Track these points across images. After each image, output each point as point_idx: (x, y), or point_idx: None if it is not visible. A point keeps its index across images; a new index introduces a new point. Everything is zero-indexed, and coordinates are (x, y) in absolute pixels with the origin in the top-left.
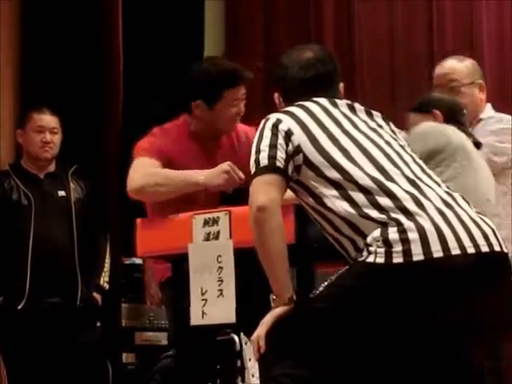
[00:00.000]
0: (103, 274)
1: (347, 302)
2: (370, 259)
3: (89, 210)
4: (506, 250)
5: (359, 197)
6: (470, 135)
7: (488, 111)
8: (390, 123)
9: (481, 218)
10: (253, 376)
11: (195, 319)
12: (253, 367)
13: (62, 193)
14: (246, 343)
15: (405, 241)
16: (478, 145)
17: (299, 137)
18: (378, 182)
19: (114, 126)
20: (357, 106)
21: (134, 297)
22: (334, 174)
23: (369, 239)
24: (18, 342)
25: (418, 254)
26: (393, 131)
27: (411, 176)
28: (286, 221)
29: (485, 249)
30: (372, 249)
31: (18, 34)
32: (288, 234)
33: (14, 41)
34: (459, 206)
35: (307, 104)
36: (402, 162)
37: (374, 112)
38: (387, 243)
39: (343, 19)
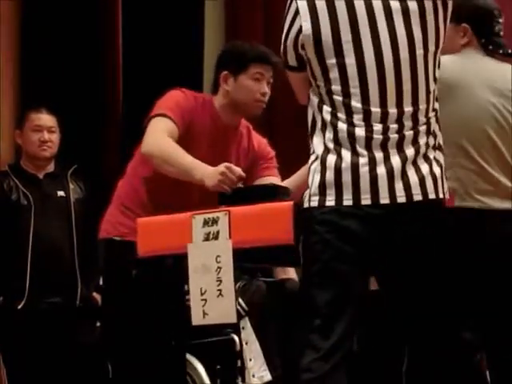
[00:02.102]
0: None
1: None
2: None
3: (88, 211)
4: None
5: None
6: (500, 46)
7: None
8: None
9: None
10: (253, 376)
11: (196, 319)
12: (253, 367)
13: (61, 193)
14: (246, 343)
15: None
16: (509, 54)
17: None
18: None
19: (114, 126)
20: None
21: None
22: None
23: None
24: (17, 342)
25: (347, 199)
26: None
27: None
28: (284, 221)
29: (402, 200)
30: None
31: (17, 34)
32: (287, 233)
33: (14, 40)
34: (400, 151)
35: None
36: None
37: None
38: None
39: None
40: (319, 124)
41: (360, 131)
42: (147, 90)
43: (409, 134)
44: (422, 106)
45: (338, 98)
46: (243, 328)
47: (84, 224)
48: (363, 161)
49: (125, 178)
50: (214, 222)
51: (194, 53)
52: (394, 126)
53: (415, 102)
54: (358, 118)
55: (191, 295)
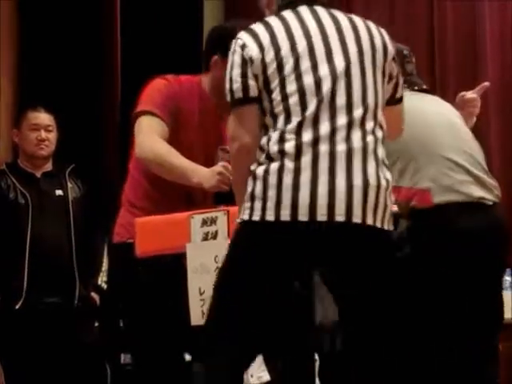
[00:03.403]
0: (101, 274)
1: None
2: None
3: (86, 210)
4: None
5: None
6: (414, 84)
7: None
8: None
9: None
10: (251, 376)
11: (195, 319)
12: (251, 367)
13: (59, 192)
14: None
15: (275, 196)
16: (426, 91)
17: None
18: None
19: (112, 125)
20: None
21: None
22: None
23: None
24: (15, 342)
25: (284, 215)
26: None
27: (345, 118)
28: None
29: (322, 218)
30: None
31: (16, 33)
32: None
33: (12, 40)
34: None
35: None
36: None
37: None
38: None
39: None
40: None
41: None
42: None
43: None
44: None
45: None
46: None
47: (82, 223)
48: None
49: (128, 178)
50: (213, 221)
51: (192, 53)
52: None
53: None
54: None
55: (189, 295)
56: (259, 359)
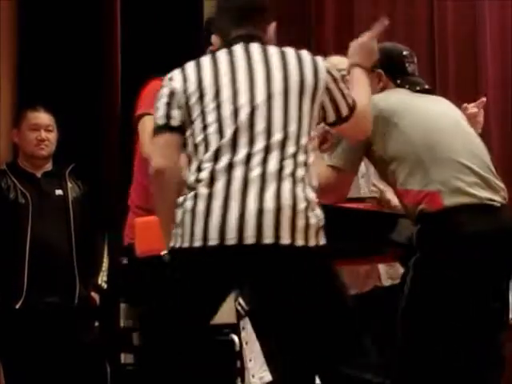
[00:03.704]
0: (101, 274)
1: None
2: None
3: (86, 210)
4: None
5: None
6: (416, 84)
7: None
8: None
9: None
10: (253, 376)
11: None
12: (253, 368)
13: (59, 192)
14: (246, 343)
15: (190, 223)
16: (429, 90)
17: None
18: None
19: (112, 125)
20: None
21: (132, 298)
22: None
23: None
24: (15, 342)
25: (198, 240)
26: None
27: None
28: None
29: (231, 242)
30: None
31: (15, 33)
32: None
33: (11, 39)
34: (261, 188)
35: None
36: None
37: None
38: None
39: (344, 21)
40: None
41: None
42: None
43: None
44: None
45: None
46: (243, 328)
47: (82, 223)
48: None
49: (133, 180)
50: None
51: (192, 53)
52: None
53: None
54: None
55: None
56: (261, 359)
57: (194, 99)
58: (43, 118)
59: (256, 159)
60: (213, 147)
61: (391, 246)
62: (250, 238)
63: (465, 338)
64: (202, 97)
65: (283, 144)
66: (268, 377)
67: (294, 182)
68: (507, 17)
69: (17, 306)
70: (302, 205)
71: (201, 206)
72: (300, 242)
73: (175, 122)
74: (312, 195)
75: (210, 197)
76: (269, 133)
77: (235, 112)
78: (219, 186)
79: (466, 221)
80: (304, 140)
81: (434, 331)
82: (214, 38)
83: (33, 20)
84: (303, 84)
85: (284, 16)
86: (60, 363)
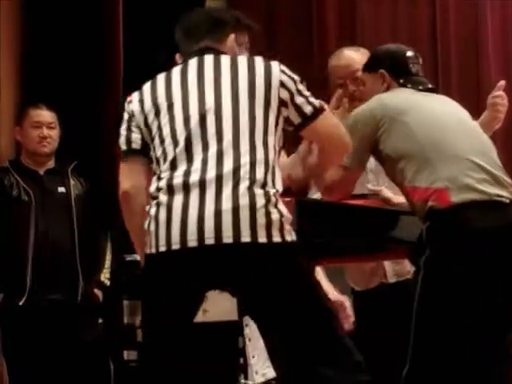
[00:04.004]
0: (104, 271)
1: None
2: None
3: (89, 207)
4: (244, 240)
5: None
6: (419, 83)
7: None
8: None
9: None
10: (256, 373)
11: (197, 316)
12: (256, 364)
13: (61, 189)
14: (249, 340)
15: (154, 230)
16: (432, 89)
17: None
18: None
19: (114, 122)
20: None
21: (135, 294)
22: None
23: None
24: (18, 339)
25: (162, 246)
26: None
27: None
28: None
29: (192, 244)
30: None
31: (18, 30)
32: None
33: (14, 37)
34: (218, 188)
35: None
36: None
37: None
38: None
39: (346, 20)
40: None
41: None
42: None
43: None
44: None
45: None
46: (246, 325)
47: (85, 220)
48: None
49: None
50: None
51: None
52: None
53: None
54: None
55: None
56: (264, 356)
57: (151, 117)
58: (45, 115)
59: (211, 163)
60: (170, 157)
61: (394, 243)
62: (209, 239)
63: (474, 334)
64: (157, 113)
65: (236, 143)
66: (271, 373)
67: (251, 180)
68: (509, 15)
69: (20, 303)
70: (260, 202)
71: (162, 213)
72: (262, 240)
73: (136, 146)
74: (273, 191)
75: (169, 203)
76: (220, 135)
77: (186, 121)
78: (177, 192)
79: (475, 217)
80: (259, 138)
81: (445, 329)
82: (178, 56)
83: (35, 19)
84: (253, 87)
85: (286, 18)
86: (63, 360)
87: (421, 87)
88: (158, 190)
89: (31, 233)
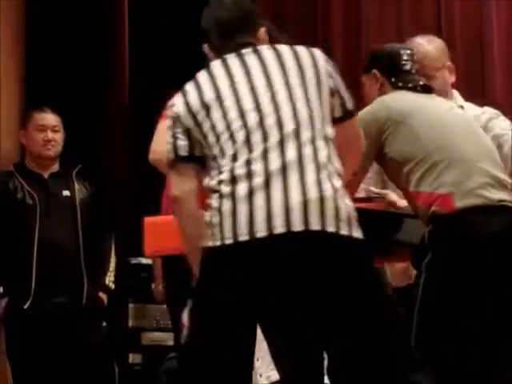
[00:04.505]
0: (108, 274)
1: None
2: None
3: (93, 210)
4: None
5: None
6: (409, 81)
7: (459, 97)
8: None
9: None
10: (260, 376)
11: None
12: (260, 367)
13: (66, 192)
14: None
15: (218, 222)
16: (426, 88)
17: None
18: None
19: (120, 125)
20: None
21: (140, 297)
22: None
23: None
24: (23, 342)
25: (228, 238)
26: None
27: (273, 134)
28: None
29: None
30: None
31: (23, 34)
32: None
33: (19, 40)
34: (301, 172)
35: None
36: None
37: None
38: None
39: (351, 19)
40: None
41: None
42: (153, 89)
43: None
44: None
45: None
46: None
47: (89, 223)
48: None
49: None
50: None
51: (199, 53)
52: None
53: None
54: None
55: None
56: (268, 359)
57: (201, 116)
58: (50, 118)
59: (273, 153)
60: (229, 151)
61: (398, 246)
62: (280, 227)
63: (478, 339)
64: (208, 111)
65: (297, 134)
66: (275, 376)
67: (318, 170)
68: (503, 21)
69: (25, 307)
70: (328, 193)
71: (227, 205)
72: (331, 229)
73: (184, 152)
74: (338, 183)
75: (233, 195)
76: (280, 125)
77: (241, 115)
78: (242, 184)
79: (478, 222)
80: (318, 124)
81: (447, 333)
82: (207, 48)
83: (40, 21)
84: (303, 75)
85: (291, 17)
86: (68, 363)
87: (410, 84)
88: (220, 182)
89: (36, 236)
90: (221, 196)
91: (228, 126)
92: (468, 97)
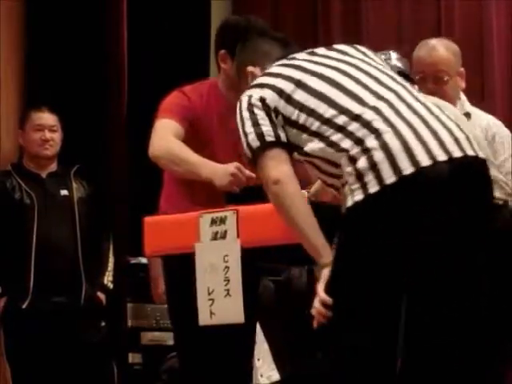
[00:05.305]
0: (107, 274)
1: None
2: (350, 201)
3: (91, 210)
4: (482, 156)
5: (328, 131)
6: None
7: (467, 103)
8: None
9: (456, 125)
10: (261, 376)
11: (203, 319)
12: (261, 367)
13: (64, 192)
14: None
15: (373, 166)
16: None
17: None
18: (346, 109)
19: (118, 125)
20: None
21: (139, 296)
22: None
23: (346, 176)
24: (22, 342)
25: (389, 177)
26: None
27: (381, 92)
28: None
29: (457, 154)
30: (351, 187)
31: (21, 33)
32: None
33: (17, 40)
34: (432, 113)
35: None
36: (374, 81)
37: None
38: (359, 176)
39: (351, 18)
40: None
41: None
42: (152, 88)
43: None
44: None
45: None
46: None
47: (87, 223)
48: None
49: (163, 187)
50: (222, 221)
51: (199, 53)
52: None
53: None
54: None
55: (198, 295)
56: (269, 359)
57: (297, 94)
58: (47, 118)
59: (402, 106)
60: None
61: None
62: (456, 151)
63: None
64: (303, 86)
65: (403, 95)
66: (276, 376)
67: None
68: (502, 20)
69: (23, 307)
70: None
71: (393, 141)
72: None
73: (270, 138)
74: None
75: (389, 133)
76: (389, 88)
77: (347, 92)
78: (386, 134)
79: None
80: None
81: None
82: (223, 55)
83: (40, 22)
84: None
85: (291, 18)
86: (67, 363)
87: None
88: (359, 142)
89: (34, 236)
90: (364, 150)
91: (341, 110)
92: (467, 97)
